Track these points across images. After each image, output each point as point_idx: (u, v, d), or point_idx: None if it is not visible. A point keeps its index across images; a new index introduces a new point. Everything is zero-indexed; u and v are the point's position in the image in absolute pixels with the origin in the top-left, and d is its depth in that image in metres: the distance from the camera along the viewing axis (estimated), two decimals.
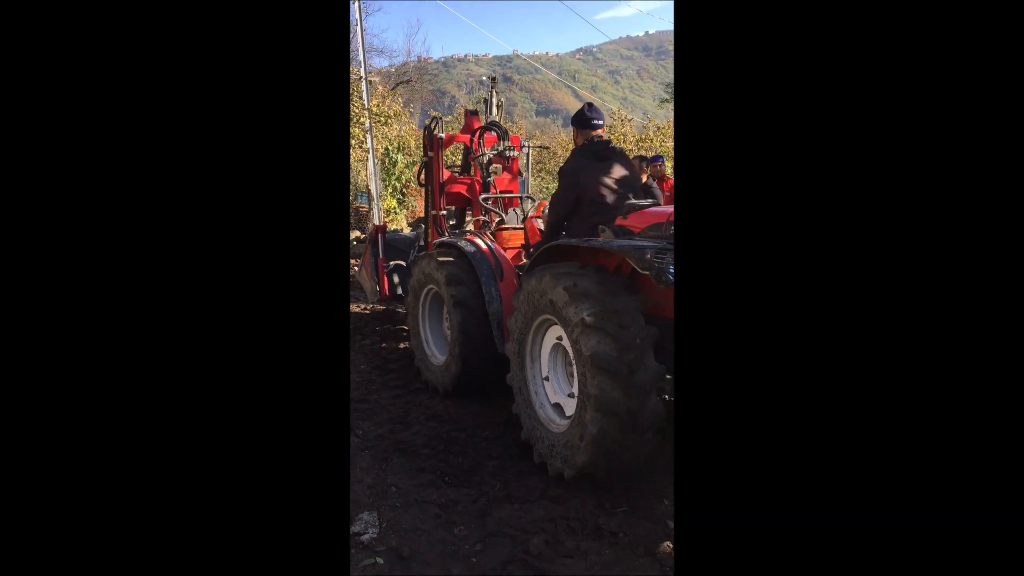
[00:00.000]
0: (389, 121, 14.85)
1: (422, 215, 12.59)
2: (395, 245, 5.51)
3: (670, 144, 15.31)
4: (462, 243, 3.86)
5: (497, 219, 4.52)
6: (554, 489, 2.73)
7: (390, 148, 14.27)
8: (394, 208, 14.17)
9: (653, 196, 4.91)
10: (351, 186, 14.01)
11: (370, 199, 12.85)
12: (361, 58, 12.49)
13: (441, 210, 4.78)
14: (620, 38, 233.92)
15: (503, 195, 4.77)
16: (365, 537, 2.35)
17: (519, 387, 3.03)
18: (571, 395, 2.75)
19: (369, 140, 12.57)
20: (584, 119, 3.33)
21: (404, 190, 14.67)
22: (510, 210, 4.55)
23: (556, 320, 2.68)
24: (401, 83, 20.83)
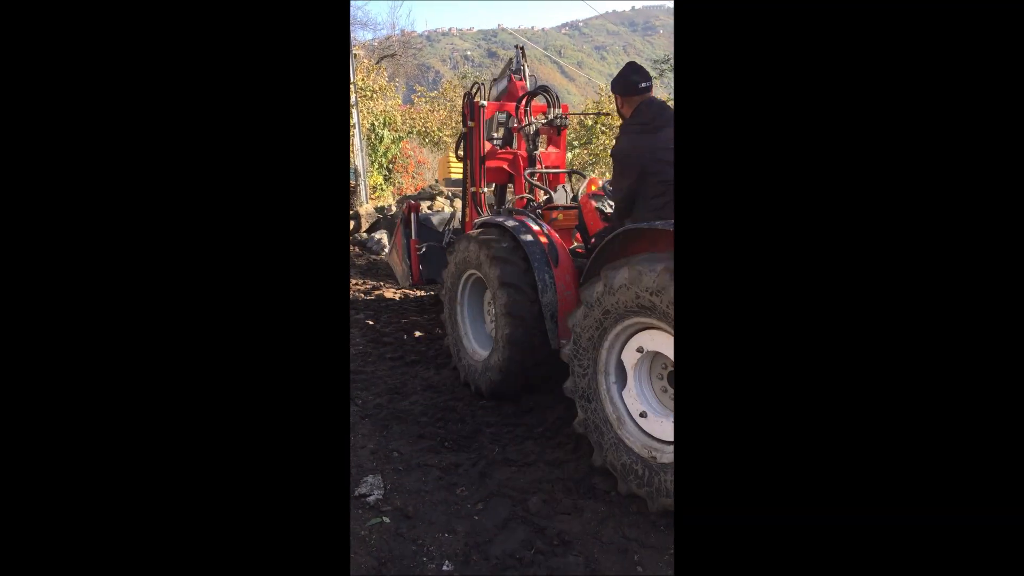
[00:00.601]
0: (374, 96, 14.67)
1: (410, 192, 12.38)
2: (428, 225, 5.04)
3: None
4: (509, 223, 3.40)
5: (544, 196, 4.02)
6: (551, 453, 2.85)
7: (376, 124, 14.12)
8: (380, 185, 14.07)
9: None
10: None
11: (356, 176, 12.77)
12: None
13: (482, 187, 4.28)
14: (607, 13, 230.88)
15: (551, 171, 4.32)
16: (371, 498, 2.45)
17: (595, 411, 2.58)
18: (643, 414, 2.44)
19: (355, 115, 12.44)
20: (628, 84, 2.80)
21: (391, 167, 14.56)
22: (558, 187, 4.19)
23: (668, 331, 2.23)
24: (385, 57, 20.52)
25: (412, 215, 4.91)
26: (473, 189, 4.32)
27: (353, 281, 6.77)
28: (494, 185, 4.69)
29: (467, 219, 4.47)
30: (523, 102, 4.11)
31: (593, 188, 3.84)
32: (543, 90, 4.17)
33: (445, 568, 2.07)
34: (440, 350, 4.44)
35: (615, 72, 3.02)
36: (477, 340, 3.74)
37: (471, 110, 4.23)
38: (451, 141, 17.14)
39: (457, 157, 4.60)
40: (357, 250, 8.62)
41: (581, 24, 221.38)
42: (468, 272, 3.68)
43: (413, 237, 4.87)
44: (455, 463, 2.76)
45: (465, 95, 4.32)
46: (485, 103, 4.20)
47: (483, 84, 4.36)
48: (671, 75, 13.06)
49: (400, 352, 4.38)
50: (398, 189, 14.30)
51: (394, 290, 6.30)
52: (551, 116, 4.11)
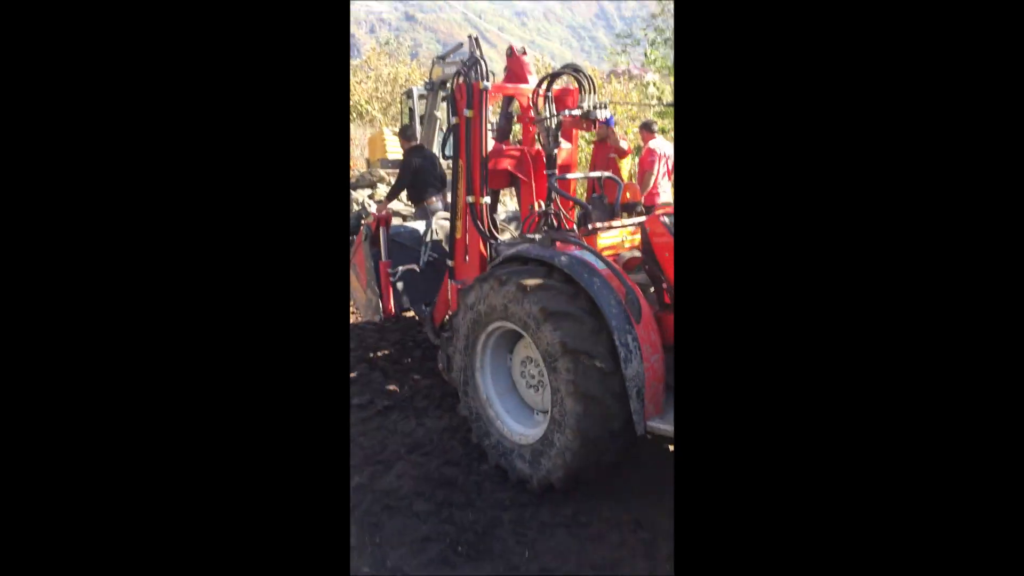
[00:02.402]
0: None
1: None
2: (400, 241, 4.09)
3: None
4: (562, 260, 2.51)
5: (578, 212, 3.05)
6: (593, 550, 2.28)
7: None
8: None
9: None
10: None
11: None
12: None
13: (483, 196, 3.23)
14: None
15: (587, 175, 3.50)
16: None
17: None
18: None
19: None
20: None
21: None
22: (594, 198, 3.23)
23: None
24: None
25: (382, 231, 3.93)
26: (471, 199, 3.25)
27: None
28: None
29: (458, 236, 3.46)
30: (543, 86, 3.06)
31: (634, 197, 3.07)
32: (573, 70, 3.13)
33: None
34: (417, 390, 3.76)
35: (535, 38, 2.55)
36: (514, 416, 2.81)
37: (468, 94, 3.16)
38: (382, 117, 15.88)
39: (443, 156, 3.69)
40: None
41: None
42: (493, 324, 2.74)
43: (384, 259, 3.91)
44: None
45: (457, 74, 3.24)
46: (489, 85, 3.15)
47: (482, 60, 3.17)
48: (633, 49, 12.49)
49: (368, 395, 3.66)
50: None
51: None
52: (587, 106, 3.06)
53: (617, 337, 2.35)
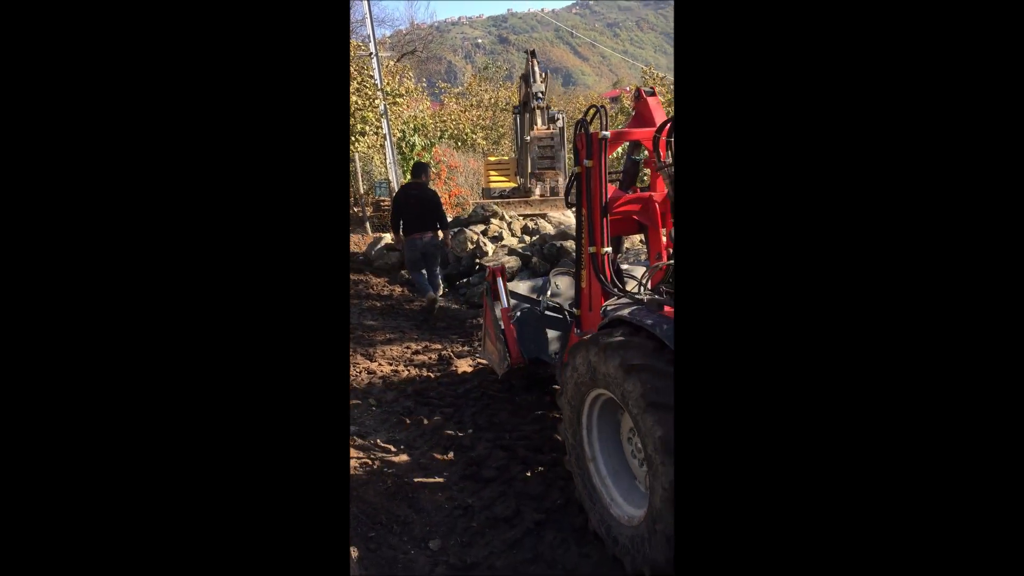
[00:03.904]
0: (400, 100, 13.36)
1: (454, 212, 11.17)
2: (518, 295, 4.07)
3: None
4: (664, 328, 2.22)
5: None
6: None
7: (406, 130, 12.83)
8: None
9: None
10: (367, 176, 12.64)
11: (391, 192, 11.51)
12: (369, 31, 10.95)
13: (604, 246, 3.04)
14: None
15: None
16: None
17: None
18: None
19: (385, 125, 11.12)
20: None
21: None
22: None
23: None
24: (406, 54, 19.14)
25: (498, 281, 3.89)
26: (592, 250, 3.04)
27: (408, 345, 5.44)
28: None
29: (583, 286, 3.20)
30: (663, 130, 2.87)
31: None
32: None
33: None
34: (570, 497, 3.08)
35: (629, 47, 2.03)
36: (621, 491, 2.56)
37: (587, 144, 3.03)
38: (486, 144, 15.72)
39: (567, 204, 3.44)
40: (404, 291, 7.35)
41: (591, 2, 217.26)
42: (593, 392, 2.60)
43: (504, 306, 3.85)
44: None
45: (578, 124, 3.10)
46: (608, 133, 3.00)
47: (602, 107, 3.10)
48: None
49: (513, 502, 3.03)
50: None
51: (471, 361, 4.97)
52: None
53: None
